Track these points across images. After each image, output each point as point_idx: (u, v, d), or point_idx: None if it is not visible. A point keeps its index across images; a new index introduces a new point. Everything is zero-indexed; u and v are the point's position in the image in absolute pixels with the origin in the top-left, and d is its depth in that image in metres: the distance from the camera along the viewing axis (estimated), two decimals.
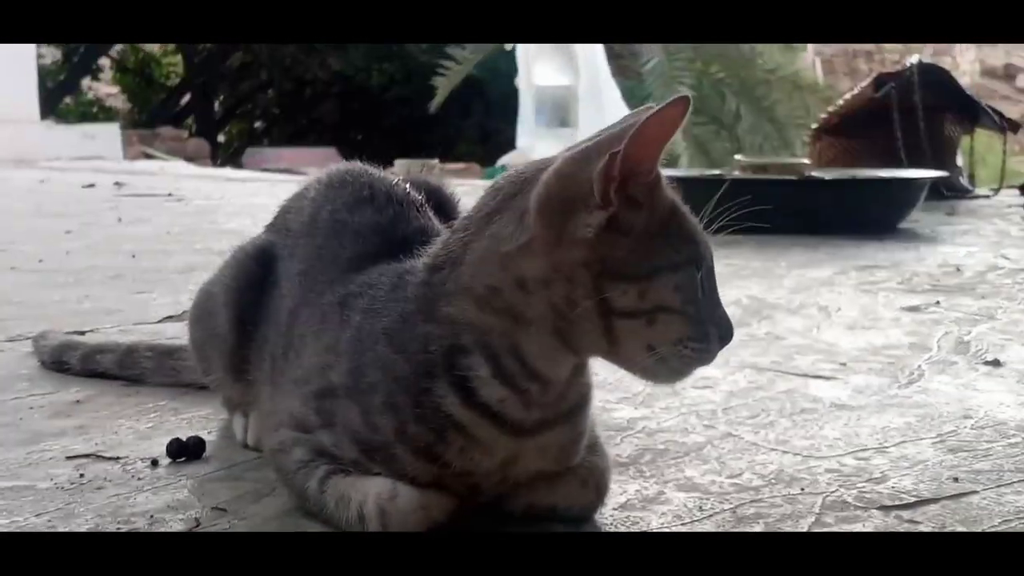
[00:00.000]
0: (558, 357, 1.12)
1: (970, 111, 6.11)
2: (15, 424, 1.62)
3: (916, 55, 6.25)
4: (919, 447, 1.53)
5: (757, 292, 2.84)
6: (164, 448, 1.46)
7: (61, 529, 1.21)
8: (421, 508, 1.13)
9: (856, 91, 5.98)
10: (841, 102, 6.09)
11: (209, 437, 1.52)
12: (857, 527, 1.23)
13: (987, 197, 5.94)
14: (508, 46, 11.76)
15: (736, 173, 4.63)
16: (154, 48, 20.85)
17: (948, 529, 1.23)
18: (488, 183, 1.20)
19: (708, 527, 1.23)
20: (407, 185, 1.39)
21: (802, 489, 1.36)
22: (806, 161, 5.26)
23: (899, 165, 5.33)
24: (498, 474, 1.16)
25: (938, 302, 2.70)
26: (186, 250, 3.74)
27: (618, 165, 1.05)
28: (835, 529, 1.23)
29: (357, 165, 1.44)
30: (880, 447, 1.53)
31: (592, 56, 11.35)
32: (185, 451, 1.45)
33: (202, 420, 1.64)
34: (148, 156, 13.65)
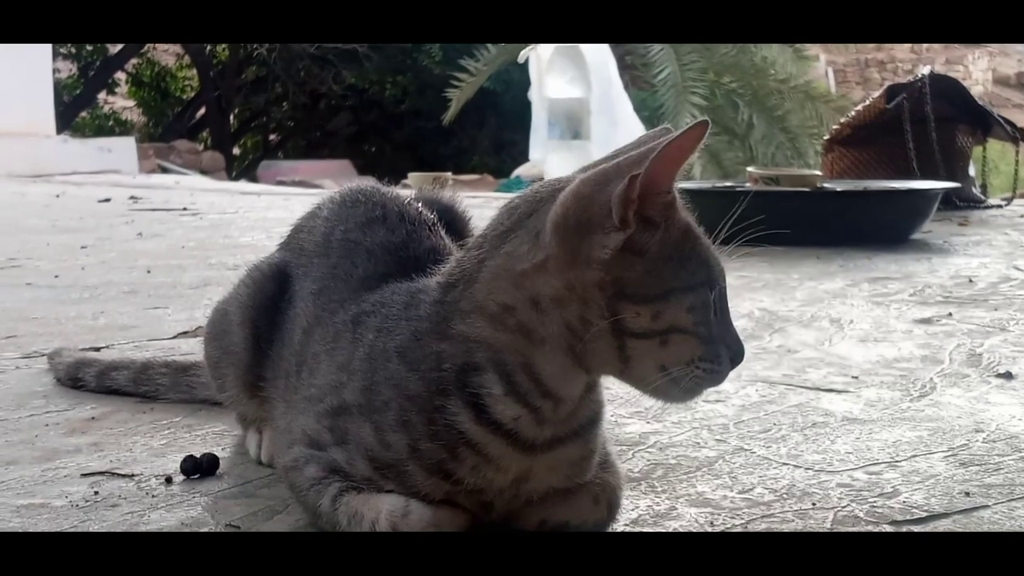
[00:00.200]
0: (571, 375, 1.13)
1: (982, 121, 6.10)
2: (31, 441, 1.64)
3: (927, 66, 6.25)
4: (930, 461, 1.53)
5: (769, 305, 2.84)
6: (178, 465, 1.47)
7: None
8: (433, 525, 1.13)
9: (868, 102, 5.97)
10: (853, 113, 6.08)
11: (223, 454, 1.53)
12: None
13: (999, 207, 5.93)
14: (521, 59, 11.78)
15: (748, 185, 4.63)
16: (169, 62, 20.99)
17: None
18: (501, 195, 1.21)
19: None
20: (419, 204, 1.40)
21: (813, 504, 1.36)
22: (818, 173, 5.25)
23: (911, 176, 5.32)
24: (510, 491, 1.17)
25: (950, 314, 2.70)
26: (200, 265, 3.76)
27: (638, 188, 1.06)
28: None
29: (370, 184, 1.45)
30: (891, 461, 1.53)
31: (604, 68, 11.35)
32: (199, 468, 1.46)
33: (216, 436, 1.65)
34: (164, 169, 13.72)
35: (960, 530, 1.28)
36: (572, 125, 11.43)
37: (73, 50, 18.84)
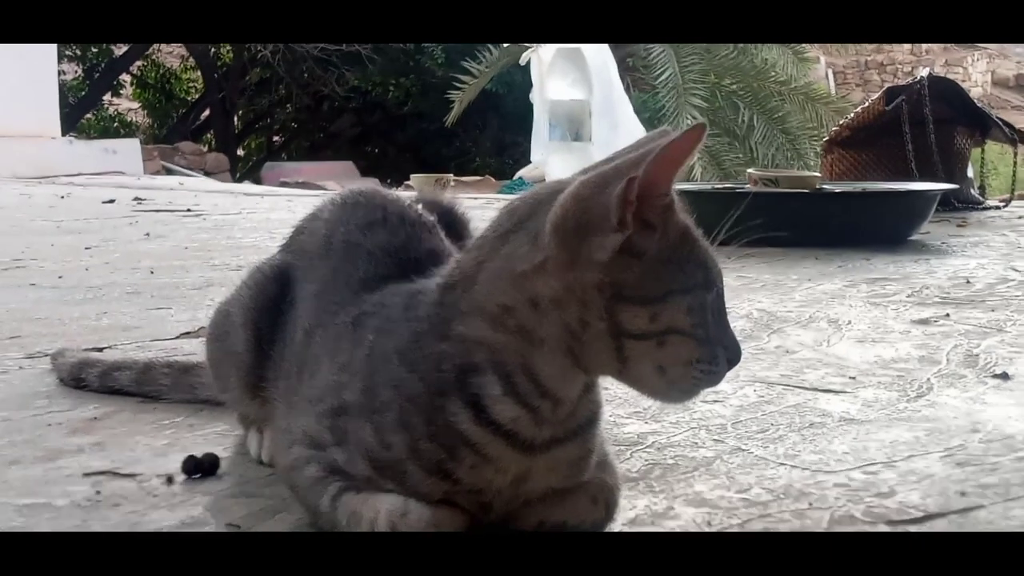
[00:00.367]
0: (569, 376, 1.14)
1: (980, 123, 6.11)
2: (34, 441, 1.65)
3: (926, 68, 6.26)
4: (927, 461, 1.54)
5: (767, 305, 2.85)
6: (180, 465, 1.48)
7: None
8: (432, 525, 1.14)
9: (867, 104, 5.98)
10: (852, 115, 6.09)
11: (224, 453, 1.54)
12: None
13: (998, 208, 5.93)
14: (523, 61, 11.78)
15: (748, 187, 4.64)
16: (174, 64, 21.02)
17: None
18: (503, 196, 1.22)
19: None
20: (419, 206, 1.42)
21: (810, 504, 1.37)
22: (817, 174, 5.27)
23: (910, 177, 5.33)
24: (509, 491, 1.18)
25: (948, 315, 2.71)
26: (204, 266, 3.78)
27: (636, 190, 1.07)
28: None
29: (370, 187, 1.46)
30: (888, 461, 1.54)
31: (605, 70, 11.35)
32: (200, 468, 1.47)
33: (217, 436, 1.66)
34: (168, 171, 13.74)
35: (956, 530, 1.29)
36: (573, 127, 11.42)
37: (78, 52, 18.88)
